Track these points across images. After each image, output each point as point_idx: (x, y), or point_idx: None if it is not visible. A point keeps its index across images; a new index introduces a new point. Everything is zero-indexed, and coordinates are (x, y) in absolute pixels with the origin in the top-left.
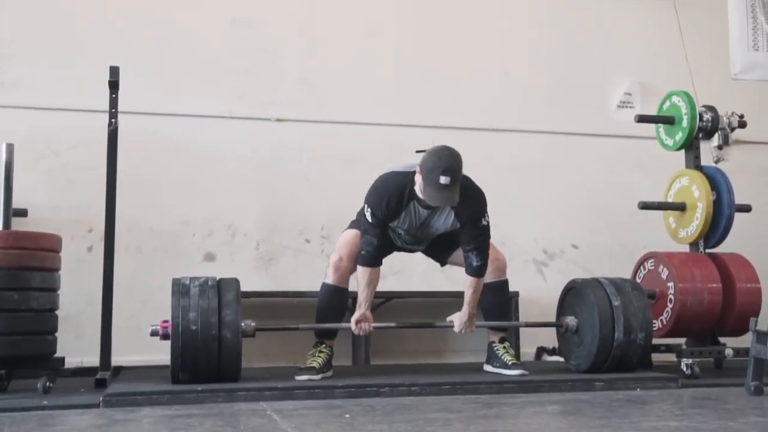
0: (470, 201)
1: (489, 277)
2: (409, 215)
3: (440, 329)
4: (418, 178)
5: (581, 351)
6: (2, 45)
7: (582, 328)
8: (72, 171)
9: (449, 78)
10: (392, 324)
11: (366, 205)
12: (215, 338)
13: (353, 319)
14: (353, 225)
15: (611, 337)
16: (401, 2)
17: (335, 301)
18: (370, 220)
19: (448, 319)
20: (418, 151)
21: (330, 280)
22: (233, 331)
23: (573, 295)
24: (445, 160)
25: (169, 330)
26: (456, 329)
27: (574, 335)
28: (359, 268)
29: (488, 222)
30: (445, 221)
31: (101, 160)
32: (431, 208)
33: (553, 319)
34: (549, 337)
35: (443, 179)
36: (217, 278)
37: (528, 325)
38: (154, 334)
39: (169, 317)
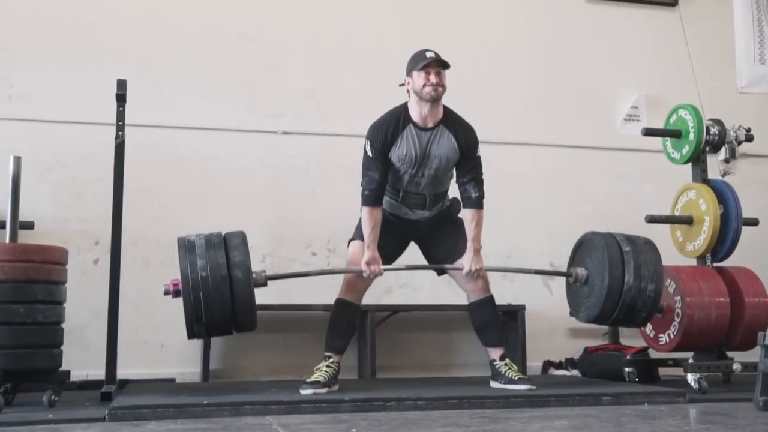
0: (465, 124)
1: (475, 295)
2: (407, 141)
3: (446, 342)
4: (409, 84)
5: (590, 301)
6: (10, 58)
7: (591, 278)
8: (79, 184)
9: (455, 90)
10: (402, 266)
11: (366, 142)
12: (225, 279)
13: (363, 261)
14: (357, 235)
15: (621, 281)
16: (405, 16)
17: (348, 316)
18: (370, 154)
19: (458, 263)
20: (401, 85)
21: (344, 296)
22: (244, 272)
23: (584, 247)
24: (423, 49)
25: (180, 286)
26: (465, 270)
27: (584, 286)
28: (363, 209)
29: (480, 154)
30: (446, 145)
31: (108, 173)
32: (429, 129)
33: (561, 329)
34: (556, 351)
35: (428, 53)
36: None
37: (538, 272)
38: (166, 293)
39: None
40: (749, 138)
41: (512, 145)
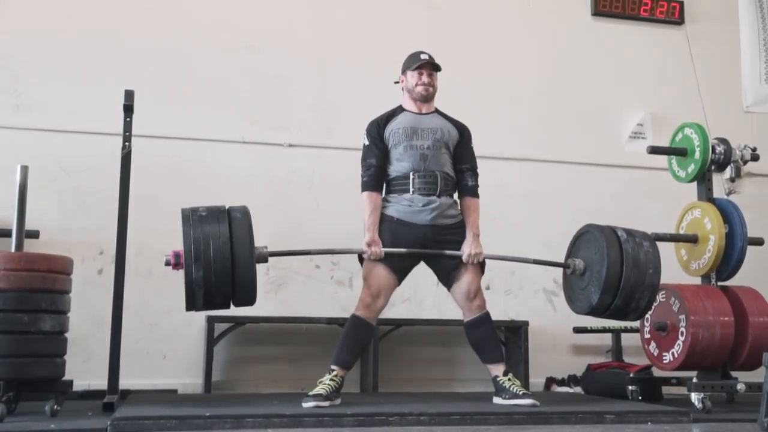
0: (458, 120)
1: (471, 314)
2: (401, 119)
3: (449, 357)
4: (404, 82)
5: (587, 291)
6: (17, 68)
7: (589, 268)
8: (84, 193)
9: (460, 105)
10: (402, 250)
11: (364, 136)
12: (228, 249)
13: (365, 242)
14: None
15: (619, 271)
16: (410, 30)
17: (363, 334)
18: (366, 142)
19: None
20: (396, 82)
21: (361, 314)
22: (246, 243)
23: (582, 239)
24: (418, 51)
25: (181, 256)
26: (464, 255)
27: (581, 277)
28: (363, 194)
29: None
30: (441, 122)
31: (113, 183)
32: (423, 113)
33: (564, 346)
34: (559, 368)
35: (423, 55)
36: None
37: (536, 262)
38: (167, 263)
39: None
40: (755, 157)
41: (517, 160)
